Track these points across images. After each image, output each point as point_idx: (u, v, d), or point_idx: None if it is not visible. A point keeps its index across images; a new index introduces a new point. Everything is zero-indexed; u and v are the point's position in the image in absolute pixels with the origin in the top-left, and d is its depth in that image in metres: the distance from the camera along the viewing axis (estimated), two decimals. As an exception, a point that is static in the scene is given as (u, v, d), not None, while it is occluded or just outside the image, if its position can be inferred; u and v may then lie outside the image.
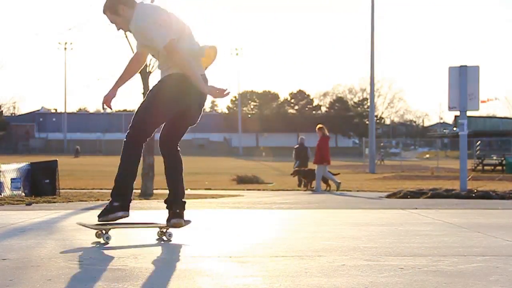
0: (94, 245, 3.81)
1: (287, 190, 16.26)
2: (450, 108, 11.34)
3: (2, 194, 10.16)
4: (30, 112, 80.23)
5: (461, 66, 11.16)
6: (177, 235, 4.09)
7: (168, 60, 3.89)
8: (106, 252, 3.57)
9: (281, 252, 3.54)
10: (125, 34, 12.12)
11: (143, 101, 4.01)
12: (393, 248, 3.65)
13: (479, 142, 36.75)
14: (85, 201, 8.98)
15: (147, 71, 12.52)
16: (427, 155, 53.79)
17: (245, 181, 21.22)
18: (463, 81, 11.05)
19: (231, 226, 5.11)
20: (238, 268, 3.08)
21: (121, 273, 2.95)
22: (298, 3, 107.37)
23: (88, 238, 4.12)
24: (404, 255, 3.38)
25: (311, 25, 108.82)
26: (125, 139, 3.93)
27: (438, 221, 5.10)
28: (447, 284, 2.64)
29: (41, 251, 3.52)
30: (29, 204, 7.96)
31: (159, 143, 4.11)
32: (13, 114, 76.75)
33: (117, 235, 4.31)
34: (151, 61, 12.43)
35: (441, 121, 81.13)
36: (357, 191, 14.31)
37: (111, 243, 3.85)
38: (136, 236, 4.31)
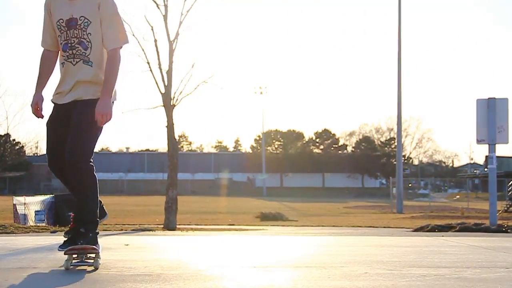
0: (120, 257, 3.95)
1: (313, 226, 16.18)
2: (478, 141, 11.16)
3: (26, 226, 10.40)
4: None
5: (489, 98, 11.08)
6: (199, 252, 4.18)
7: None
8: (132, 259, 3.76)
9: (304, 263, 3.59)
10: (149, 69, 12.08)
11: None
12: (416, 262, 3.66)
13: (511, 182, 35.87)
14: (109, 230, 9.25)
15: (171, 104, 12.22)
16: (457, 196, 52.64)
17: (269, 218, 21.14)
18: (491, 113, 10.94)
19: (253, 247, 5.15)
20: (261, 274, 3.14)
21: (149, 277, 3.06)
22: (322, 41, 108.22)
23: (115, 253, 4.25)
24: (427, 266, 3.39)
25: (337, 64, 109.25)
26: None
27: (464, 244, 5.06)
28: (468, 287, 2.65)
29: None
30: (54, 232, 8.18)
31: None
32: (35, 154, 77.26)
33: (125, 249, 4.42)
34: (175, 94, 12.21)
35: (472, 161, 79.38)
36: (384, 227, 14.16)
37: (134, 256, 3.98)
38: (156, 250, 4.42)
